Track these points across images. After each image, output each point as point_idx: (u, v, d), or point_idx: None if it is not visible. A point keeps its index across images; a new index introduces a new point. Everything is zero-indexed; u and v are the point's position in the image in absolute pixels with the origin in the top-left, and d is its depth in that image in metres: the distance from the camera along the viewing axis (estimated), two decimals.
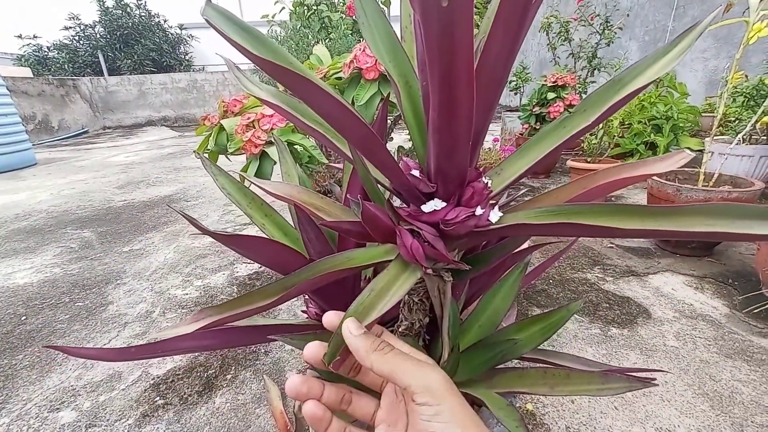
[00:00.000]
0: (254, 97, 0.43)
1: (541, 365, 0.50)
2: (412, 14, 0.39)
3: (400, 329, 0.50)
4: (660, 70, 0.36)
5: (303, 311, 0.58)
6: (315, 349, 0.34)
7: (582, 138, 2.69)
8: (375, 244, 0.48)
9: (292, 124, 1.04)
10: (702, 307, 1.22)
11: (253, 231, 2.06)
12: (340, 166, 0.63)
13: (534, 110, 3.09)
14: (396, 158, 0.46)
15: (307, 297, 0.57)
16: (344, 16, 2.88)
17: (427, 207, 0.39)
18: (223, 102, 1.22)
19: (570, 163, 2.46)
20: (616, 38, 3.63)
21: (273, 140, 0.96)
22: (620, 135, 2.64)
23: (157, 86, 8.83)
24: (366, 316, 0.38)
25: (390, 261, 0.42)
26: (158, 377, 1.01)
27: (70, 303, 1.40)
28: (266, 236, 0.53)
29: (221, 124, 1.13)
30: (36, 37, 10.15)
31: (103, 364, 1.07)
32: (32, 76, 7.66)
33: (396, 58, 0.39)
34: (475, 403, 0.53)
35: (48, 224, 2.30)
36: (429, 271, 0.38)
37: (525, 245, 0.54)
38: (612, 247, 1.72)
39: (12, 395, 0.97)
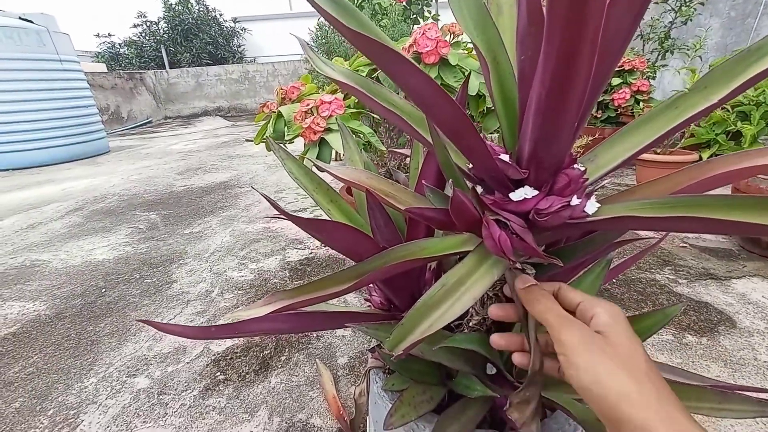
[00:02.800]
0: (328, 78, 0.41)
1: None
2: None
3: (470, 324, 0.48)
4: None
5: (366, 300, 0.57)
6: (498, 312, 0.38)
7: None
8: (449, 233, 0.45)
9: (350, 111, 1.04)
10: None
11: (306, 215, 2.11)
12: (405, 151, 0.61)
13: None
14: None
15: (371, 285, 0.56)
16: (394, 2, 2.82)
17: (516, 195, 0.36)
18: (281, 89, 1.25)
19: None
20: (695, 15, 3.25)
21: (333, 126, 0.96)
22: (696, 123, 2.38)
23: (213, 78, 9.30)
24: (431, 315, 0.36)
25: (466, 252, 0.40)
26: (218, 354, 1.06)
27: (140, 279, 1.52)
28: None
29: (279, 111, 1.15)
30: (110, 35, 11.08)
31: (170, 337, 1.15)
32: (106, 71, 8.38)
33: (485, 32, 0.35)
34: (550, 407, 0.50)
35: (120, 206, 2.51)
36: (518, 265, 0.35)
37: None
38: (685, 246, 1.56)
39: (97, 359, 1.07)
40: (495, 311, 0.39)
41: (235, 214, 2.25)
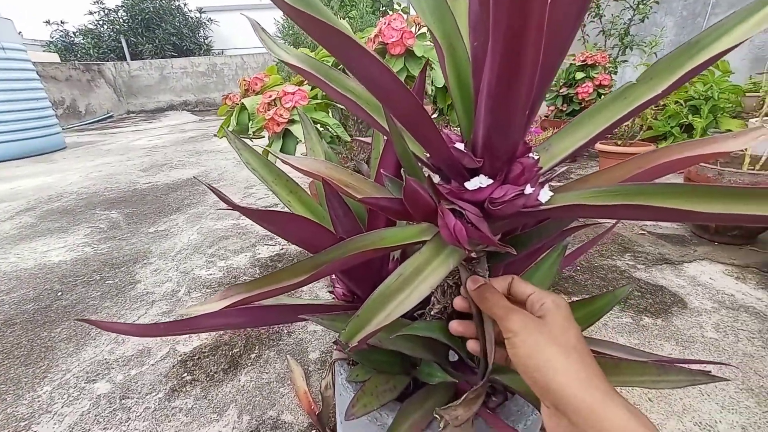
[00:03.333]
0: (282, 61, 0.40)
1: None
2: None
3: (432, 313, 0.48)
4: (750, 30, 0.31)
5: (329, 292, 0.56)
6: (462, 304, 0.39)
7: None
8: (408, 223, 0.45)
9: (314, 103, 1.02)
10: (745, 298, 1.15)
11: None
12: (366, 139, 0.60)
13: (561, 91, 2.96)
14: None
15: (334, 277, 0.55)
16: None
17: (472, 184, 0.36)
18: (244, 81, 1.21)
19: (599, 146, 2.35)
20: (651, 13, 3.40)
21: (296, 118, 0.94)
22: (653, 117, 2.50)
23: (178, 70, 8.91)
24: (388, 305, 0.36)
25: (424, 242, 0.40)
26: (185, 354, 1.03)
27: (101, 281, 1.44)
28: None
29: (243, 104, 1.12)
30: (63, 23, 10.37)
31: (133, 339, 1.10)
32: (59, 61, 7.86)
33: (441, 18, 0.35)
34: (508, 390, 0.51)
35: (78, 205, 2.38)
36: (473, 254, 0.36)
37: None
38: (643, 233, 1.64)
39: (52, 365, 1.01)
40: (460, 303, 0.40)
41: (203, 211, 2.18)
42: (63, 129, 5.14)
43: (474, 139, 0.37)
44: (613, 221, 0.70)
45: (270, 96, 1.00)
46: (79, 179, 3.02)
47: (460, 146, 0.36)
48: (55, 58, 8.05)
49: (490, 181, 0.37)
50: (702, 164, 1.44)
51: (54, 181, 2.99)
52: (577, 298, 1.20)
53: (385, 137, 0.49)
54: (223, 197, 0.36)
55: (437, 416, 0.37)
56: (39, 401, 0.89)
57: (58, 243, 1.82)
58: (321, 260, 0.39)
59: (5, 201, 2.53)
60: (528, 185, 0.37)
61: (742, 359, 0.92)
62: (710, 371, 0.41)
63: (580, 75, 2.83)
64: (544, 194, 0.37)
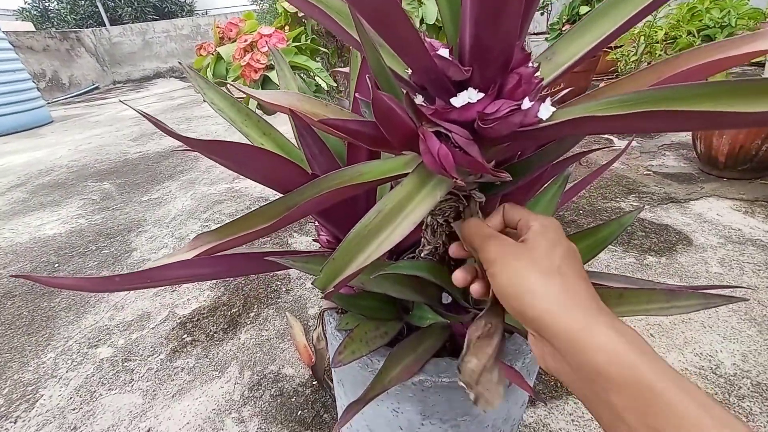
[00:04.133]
0: None
1: None
2: None
3: (422, 254, 0.45)
4: None
5: (315, 240, 0.53)
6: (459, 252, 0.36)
7: (616, 57, 2.40)
8: (392, 156, 0.41)
9: (294, 47, 0.93)
10: (752, 231, 1.12)
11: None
12: (345, 70, 0.54)
13: (564, 29, 2.77)
14: None
15: (317, 224, 0.52)
16: None
17: (459, 100, 0.30)
18: (218, 28, 1.11)
19: (604, 86, 2.23)
20: None
21: (273, 64, 0.86)
22: (663, 50, 2.35)
23: (161, 34, 8.46)
24: (367, 246, 0.32)
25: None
26: (184, 317, 1.03)
27: (96, 251, 1.43)
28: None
29: (218, 53, 1.03)
30: None
31: (133, 305, 1.10)
32: (34, 30, 7.45)
33: None
34: (508, 330, 0.49)
35: (69, 178, 2.33)
36: (461, 183, 0.31)
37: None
38: (649, 174, 1.59)
39: (54, 333, 1.01)
40: (456, 251, 0.36)
41: (195, 176, 2.13)
42: (48, 103, 4.96)
43: (461, 44, 0.31)
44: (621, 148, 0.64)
45: (245, 40, 0.91)
46: (69, 152, 2.95)
47: (445, 53, 0.31)
48: (29, 26, 7.64)
49: (481, 95, 0.31)
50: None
51: (43, 156, 2.93)
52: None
53: (362, 56, 0.43)
54: (163, 127, 0.31)
55: (461, 384, 0.31)
56: (44, 367, 0.90)
57: (52, 216, 1.79)
58: (294, 201, 0.35)
59: None
60: (526, 99, 0.31)
61: (745, 291, 0.90)
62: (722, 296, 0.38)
63: (585, 9, 2.63)
64: (545, 110, 0.32)
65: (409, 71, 0.36)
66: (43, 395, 0.82)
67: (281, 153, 0.46)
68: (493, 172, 0.32)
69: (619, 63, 2.29)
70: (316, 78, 0.94)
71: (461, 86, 0.32)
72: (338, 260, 0.32)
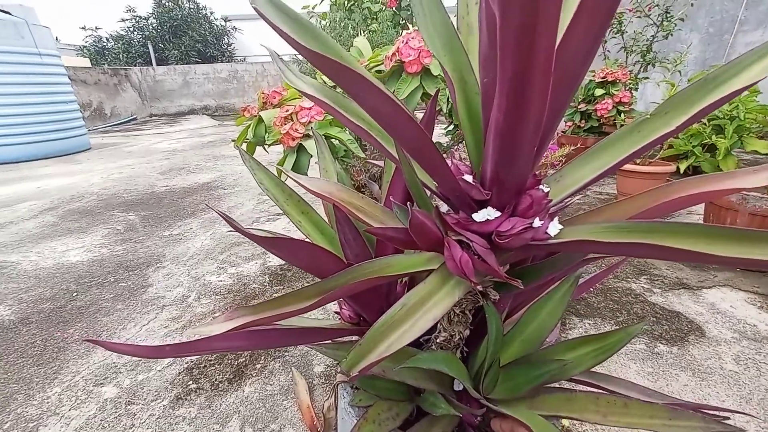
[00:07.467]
0: (297, 90, 0.41)
1: (591, 389, 0.46)
2: (474, 2, 0.35)
3: (438, 340, 0.48)
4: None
5: (336, 312, 0.56)
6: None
7: None
8: (416, 251, 0.45)
9: (330, 117, 1.03)
10: None
11: (286, 221, 2.09)
12: (379, 163, 0.60)
13: (580, 107, 2.93)
14: None
15: (341, 299, 0.55)
16: (384, 7, 2.83)
17: (479, 216, 0.36)
18: (262, 93, 1.23)
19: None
20: (676, 30, 3.35)
21: (311, 134, 0.95)
22: (674, 135, 2.44)
23: (200, 76, 9.17)
24: (391, 335, 0.35)
25: (431, 270, 0.40)
26: (191, 362, 1.04)
27: (114, 283, 1.48)
28: (303, 234, 0.52)
29: (260, 116, 1.14)
30: (97, 28, 10.83)
31: (142, 344, 1.11)
32: (90, 66, 8.18)
33: (452, 51, 0.35)
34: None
35: (98, 206, 2.45)
36: (479, 287, 0.35)
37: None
38: None
39: (63, 367, 1.03)
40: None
41: (216, 216, 2.22)
42: (88, 130, 5.32)
43: (483, 172, 0.36)
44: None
45: (287, 110, 1.01)
46: (101, 180, 3.11)
47: (469, 178, 0.36)
48: (86, 62, 8.41)
49: (498, 213, 0.36)
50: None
51: (77, 182, 3.09)
52: (589, 322, 1.17)
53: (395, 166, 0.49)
54: (232, 224, 0.36)
55: None
56: (48, 402, 0.91)
57: (77, 243, 1.87)
58: (328, 286, 0.39)
59: (31, 200, 2.63)
60: (537, 218, 0.36)
61: (764, 395, 0.87)
62: (728, 417, 0.39)
63: (599, 92, 2.80)
64: (553, 227, 0.37)
65: (437, 184, 0.41)
66: None
67: (316, 231, 0.51)
68: (507, 278, 0.37)
69: None
70: (349, 147, 1.03)
71: (481, 203, 0.38)
72: (364, 347, 0.35)
